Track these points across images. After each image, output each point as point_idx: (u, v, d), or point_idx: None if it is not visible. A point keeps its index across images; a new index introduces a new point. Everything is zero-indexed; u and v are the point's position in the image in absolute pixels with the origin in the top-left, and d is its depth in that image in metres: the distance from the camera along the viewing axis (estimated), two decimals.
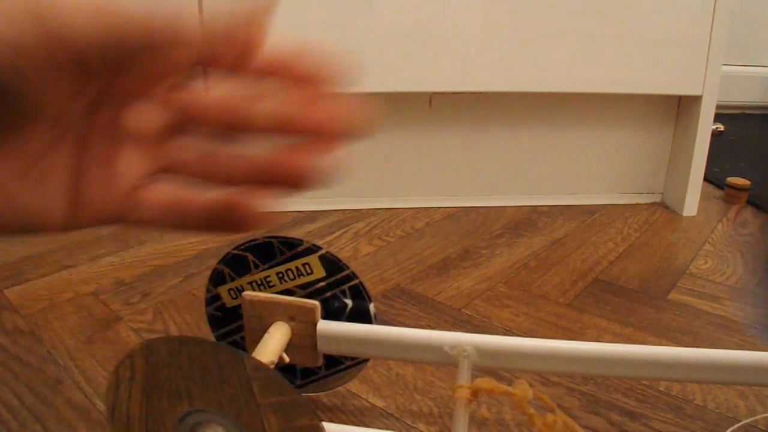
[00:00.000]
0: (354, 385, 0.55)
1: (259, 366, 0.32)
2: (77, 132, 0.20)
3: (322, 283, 0.45)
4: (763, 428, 0.52)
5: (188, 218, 0.21)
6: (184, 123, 0.22)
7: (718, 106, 1.00)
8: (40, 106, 0.18)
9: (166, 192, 0.22)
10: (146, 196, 0.22)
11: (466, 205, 1.05)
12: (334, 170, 0.21)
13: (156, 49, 0.18)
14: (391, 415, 0.52)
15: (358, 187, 1.03)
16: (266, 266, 0.45)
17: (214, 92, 0.22)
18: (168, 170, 0.22)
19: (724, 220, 1.03)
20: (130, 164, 0.21)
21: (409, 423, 0.51)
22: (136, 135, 0.21)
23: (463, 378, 0.40)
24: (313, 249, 0.45)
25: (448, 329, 0.66)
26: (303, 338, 0.44)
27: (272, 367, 0.39)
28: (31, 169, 0.19)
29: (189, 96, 0.22)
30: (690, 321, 0.69)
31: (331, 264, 0.45)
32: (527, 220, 1.00)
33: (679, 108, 1.05)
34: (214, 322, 0.48)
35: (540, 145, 1.06)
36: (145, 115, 0.21)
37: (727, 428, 0.51)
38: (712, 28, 0.93)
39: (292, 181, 0.21)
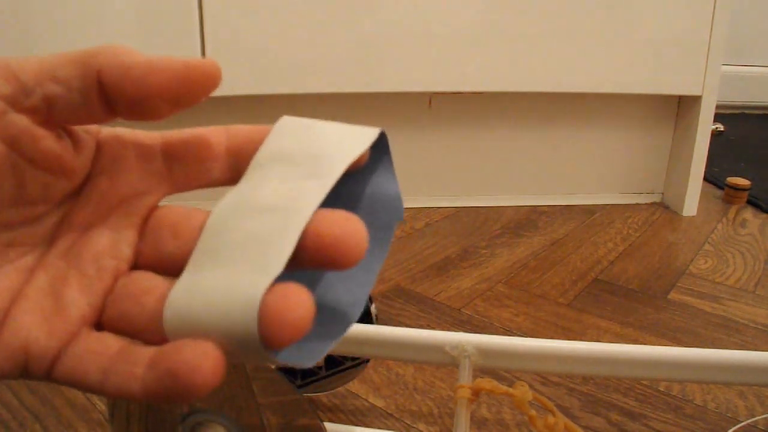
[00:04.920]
0: (354, 385, 0.55)
1: (260, 366, 0.32)
2: (26, 262, 0.18)
3: None
4: (763, 428, 0.52)
5: (126, 383, 0.16)
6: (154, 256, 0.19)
7: (718, 106, 1.00)
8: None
9: (108, 344, 0.17)
10: (84, 344, 0.17)
11: (466, 205, 1.05)
12: None
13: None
14: (391, 415, 0.52)
15: None
16: None
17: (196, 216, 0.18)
18: (112, 316, 0.18)
19: (724, 220, 1.03)
20: (77, 300, 0.17)
21: (409, 423, 0.51)
22: (92, 270, 0.18)
23: (465, 378, 0.40)
24: None
25: (448, 329, 0.66)
26: None
27: (273, 367, 0.39)
28: None
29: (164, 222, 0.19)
30: (690, 321, 0.69)
31: None
32: (527, 220, 1.00)
33: (679, 108, 1.05)
34: None
35: (540, 145, 1.06)
36: (107, 246, 0.18)
37: (727, 428, 0.51)
38: (712, 28, 0.93)
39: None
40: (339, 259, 0.15)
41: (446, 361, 0.42)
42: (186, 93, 0.17)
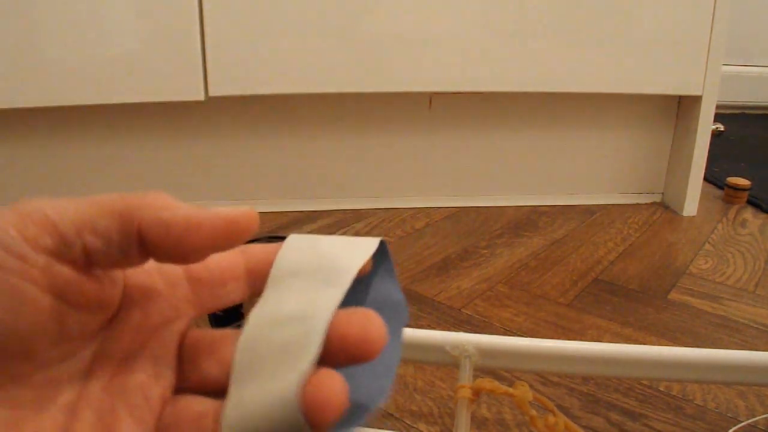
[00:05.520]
0: None
1: None
2: (68, 399, 0.18)
3: None
4: (763, 428, 0.52)
5: None
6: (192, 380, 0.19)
7: (718, 106, 1.00)
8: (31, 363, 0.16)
9: None
10: None
11: (466, 205, 1.05)
12: None
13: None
14: (392, 415, 0.52)
15: (358, 187, 1.03)
16: None
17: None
18: None
19: (724, 220, 1.03)
20: None
21: (410, 423, 0.51)
22: (139, 400, 0.18)
23: (465, 378, 0.40)
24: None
25: (448, 329, 0.66)
26: None
27: None
28: None
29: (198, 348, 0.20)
30: (690, 321, 0.69)
31: None
32: (527, 220, 1.00)
33: (679, 108, 1.05)
34: (215, 320, 0.48)
35: (540, 145, 1.06)
36: (150, 375, 0.19)
37: (728, 428, 0.51)
38: (712, 28, 0.94)
39: None
40: (363, 352, 0.17)
41: (447, 361, 0.42)
42: (223, 245, 0.17)
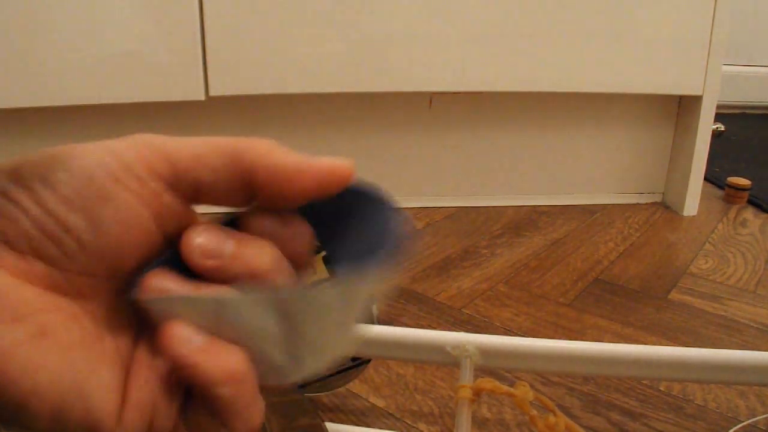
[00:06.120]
0: (355, 385, 0.55)
1: None
2: (131, 332, 0.19)
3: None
4: (763, 428, 0.52)
5: None
6: None
7: (718, 106, 1.00)
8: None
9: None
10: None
11: (466, 205, 1.05)
12: None
13: None
14: (392, 415, 0.52)
15: None
16: None
17: None
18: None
19: (725, 220, 1.03)
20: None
21: (410, 423, 0.51)
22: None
23: (466, 378, 0.40)
24: (316, 249, 0.44)
25: (449, 329, 0.66)
26: None
27: None
28: (89, 347, 0.17)
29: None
30: (690, 321, 0.69)
31: None
32: (527, 220, 1.00)
33: (679, 108, 1.05)
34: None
35: (540, 145, 1.06)
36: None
37: (728, 428, 0.51)
38: (712, 28, 0.93)
39: None
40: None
41: (447, 361, 0.42)
42: (325, 190, 0.19)
